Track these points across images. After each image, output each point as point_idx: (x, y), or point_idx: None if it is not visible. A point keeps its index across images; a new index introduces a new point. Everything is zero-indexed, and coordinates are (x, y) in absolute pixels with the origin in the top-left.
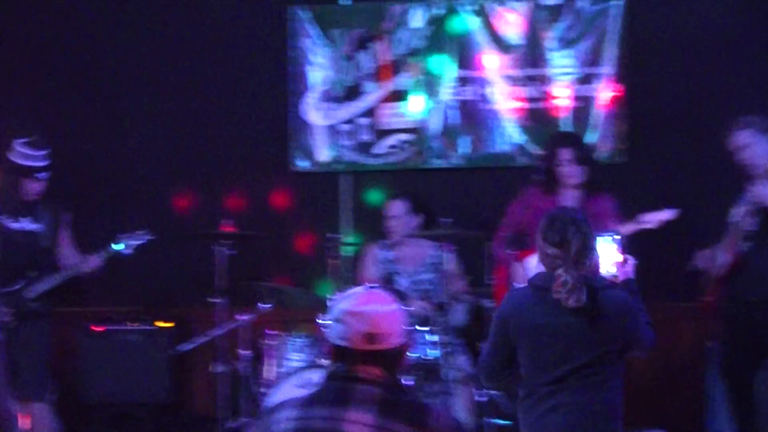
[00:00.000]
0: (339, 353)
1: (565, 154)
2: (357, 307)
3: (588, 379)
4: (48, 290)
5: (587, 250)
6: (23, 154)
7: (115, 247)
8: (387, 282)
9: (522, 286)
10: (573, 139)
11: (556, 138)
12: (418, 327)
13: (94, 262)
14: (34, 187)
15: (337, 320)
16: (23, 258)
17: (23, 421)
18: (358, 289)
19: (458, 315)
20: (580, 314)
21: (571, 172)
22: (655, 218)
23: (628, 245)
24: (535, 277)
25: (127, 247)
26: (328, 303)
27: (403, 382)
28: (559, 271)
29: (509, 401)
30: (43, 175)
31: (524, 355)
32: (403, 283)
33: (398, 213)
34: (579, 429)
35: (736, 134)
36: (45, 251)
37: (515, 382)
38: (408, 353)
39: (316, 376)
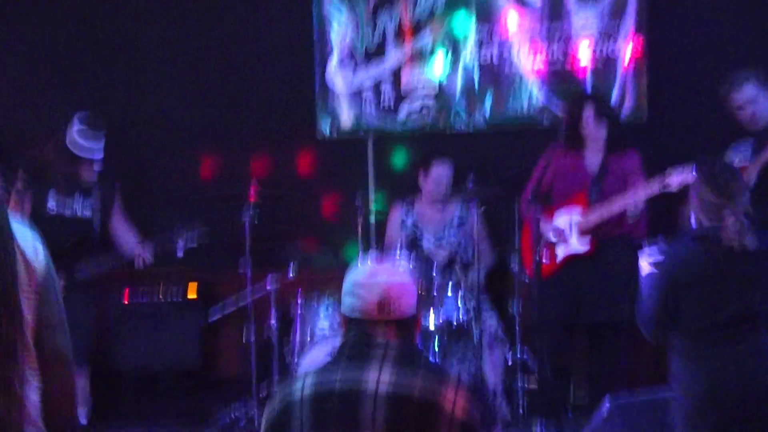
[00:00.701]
0: (352, 323)
1: (588, 112)
2: (368, 279)
3: (758, 322)
4: (96, 275)
5: (746, 198)
6: (80, 139)
7: (177, 251)
8: (413, 242)
9: (678, 240)
10: (594, 98)
11: (577, 98)
12: (445, 290)
13: (148, 256)
14: (89, 173)
15: (348, 293)
16: (75, 245)
17: None
18: (368, 262)
19: (482, 266)
20: (749, 259)
21: (594, 130)
22: (677, 179)
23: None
24: (700, 230)
25: (182, 250)
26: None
27: (416, 344)
28: (729, 217)
29: (536, 361)
30: (99, 165)
31: (695, 305)
32: (428, 244)
33: (446, 174)
34: (762, 370)
35: (740, 89)
36: (97, 237)
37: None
38: (421, 321)
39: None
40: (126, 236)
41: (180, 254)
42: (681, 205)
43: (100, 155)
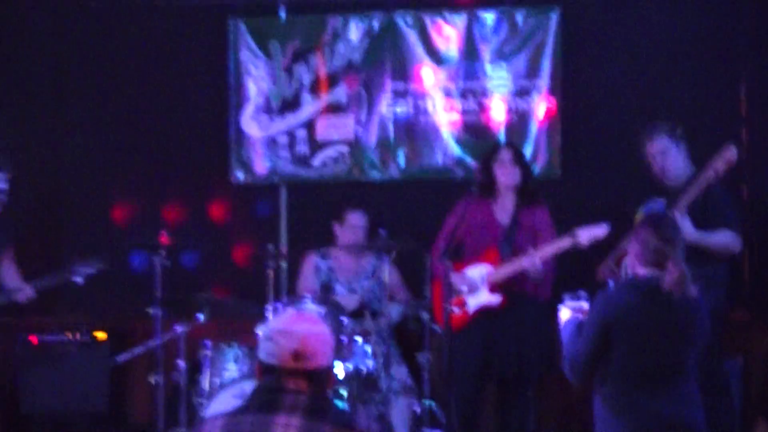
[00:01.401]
0: (267, 370)
1: (506, 154)
2: (286, 325)
3: (689, 373)
4: None
5: (683, 248)
6: None
7: (72, 277)
8: (325, 290)
9: (615, 287)
10: (512, 144)
11: (495, 144)
12: (355, 337)
13: (28, 292)
14: None
15: (266, 338)
16: None
17: None
18: (290, 309)
19: (393, 314)
20: (685, 308)
21: (510, 172)
22: (588, 234)
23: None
24: (638, 278)
25: (81, 277)
26: (265, 314)
27: (330, 397)
28: (671, 265)
29: (444, 411)
30: (2, 197)
31: (627, 352)
32: (340, 290)
33: (362, 224)
34: (691, 417)
35: (652, 140)
36: None
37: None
38: (335, 373)
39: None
40: (12, 275)
41: (80, 281)
42: (598, 264)
43: (5, 185)
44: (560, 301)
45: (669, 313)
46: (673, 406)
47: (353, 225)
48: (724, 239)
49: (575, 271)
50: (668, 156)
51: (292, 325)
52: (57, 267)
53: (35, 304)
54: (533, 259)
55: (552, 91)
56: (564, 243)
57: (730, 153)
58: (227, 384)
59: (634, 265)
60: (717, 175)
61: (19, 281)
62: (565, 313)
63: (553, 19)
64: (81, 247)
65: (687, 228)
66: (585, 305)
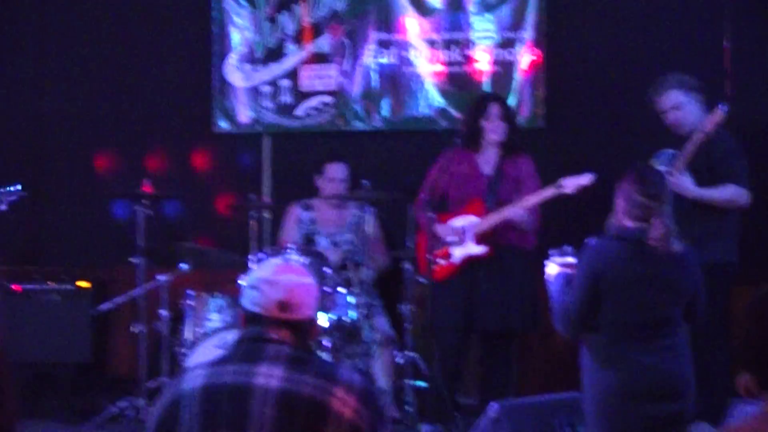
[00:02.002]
0: (252, 319)
1: (494, 108)
2: (273, 276)
3: (677, 326)
4: None
5: (670, 204)
6: None
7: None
8: (307, 242)
9: (603, 239)
10: (501, 97)
11: (485, 95)
12: (338, 288)
13: None
14: None
15: (252, 287)
16: None
17: None
18: (276, 258)
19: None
20: (672, 262)
21: (498, 127)
22: (573, 183)
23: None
24: (626, 230)
25: (4, 204)
26: (248, 264)
27: (313, 348)
28: (656, 220)
29: (427, 363)
30: None
31: (616, 304)
32: (323, 243)
33: (341, 176)
34: (681, 374)
35: (663, 95)
36: None
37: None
38: (319, 324)
39: (235, 337)
40: None
41: (4, 207)
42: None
43: None
44: (546, 255)
45: (655, 266)
46: (659, 358)
47: (332, 177)
48: (728, 193)
49: (563, 221)
50: (681, 110)
51: (278, 275)
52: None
53: (17, 250)
54: (518, 209)
55: (536, 42)
56: (548, 192)
57: (719, 114)
58: (210, 334)
59: (620, 217)
60: (707, 136)
61: None
62: (552, 269)
63: None
64: (62, 195)
65: (687, 185)
66: (571, 260)
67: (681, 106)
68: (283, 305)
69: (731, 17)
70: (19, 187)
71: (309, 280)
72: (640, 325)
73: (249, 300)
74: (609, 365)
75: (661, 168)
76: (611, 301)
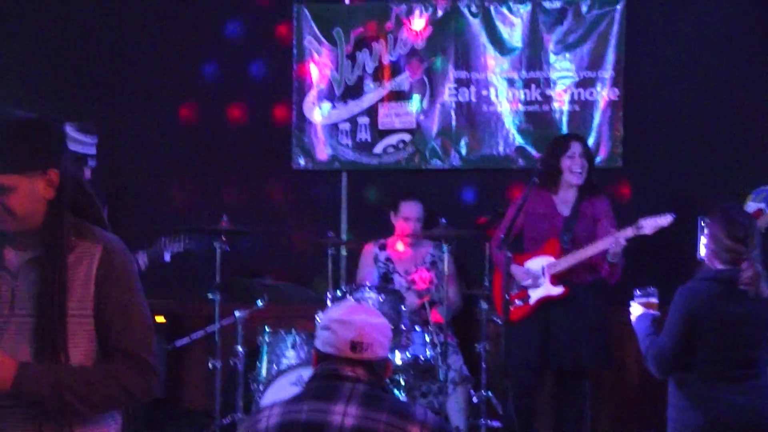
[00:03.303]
0: (324, 359)
1: (576, 147)
2: (345, 315)
3: (765, 367)
4: None
5: (759, 247)
6: (75, 139)
7: (163, 253)
8: (385, 281)
9: (696, 281)
10: (582, 137)
11: (566, 134)
12: (414, 327)
13: (142, 259)
14: (83, 174)
15: (324, 327)
16: None
17: None
18: (349, 298)
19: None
20: (762, 304)
21: (579, 165)
22: (653, 223)
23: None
24: (718, 272)
25: (170, 253)
26: (325, 301)
27: (387, 386)
28: (745, 264)
29: (501, 402)
30: (93, 162)
31: (710, 343)
32: (399, 281)
33: (418, 214)
34: (764, 410)
35: None
36: None
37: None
38: (392, 363)
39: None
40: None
41: (167, 259)
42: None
43: (93, 151)
44: (620, 294)
45: (746, 307)
46: (749, 398)
47: (407, 216)
48: None
49: (644, 260)
50: None
51: (350, 315)
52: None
53: None
54: (617, 239)
55: (615, 81)
56: (628, 233)
57: None
58: (285, 370)
59: (711, 259)
60: None
61: None
62: (636, 309)
63: (618, 9)
64: (141, 228)
65: None
66: (654, 300)
67: None
68: (355, 345)
69: None
70: (187, 240)
71: (381, 320)
72: (731, 364)
73: (321, 340)
74: (700, 404)
75: (759, 205)
76: (705, 340)
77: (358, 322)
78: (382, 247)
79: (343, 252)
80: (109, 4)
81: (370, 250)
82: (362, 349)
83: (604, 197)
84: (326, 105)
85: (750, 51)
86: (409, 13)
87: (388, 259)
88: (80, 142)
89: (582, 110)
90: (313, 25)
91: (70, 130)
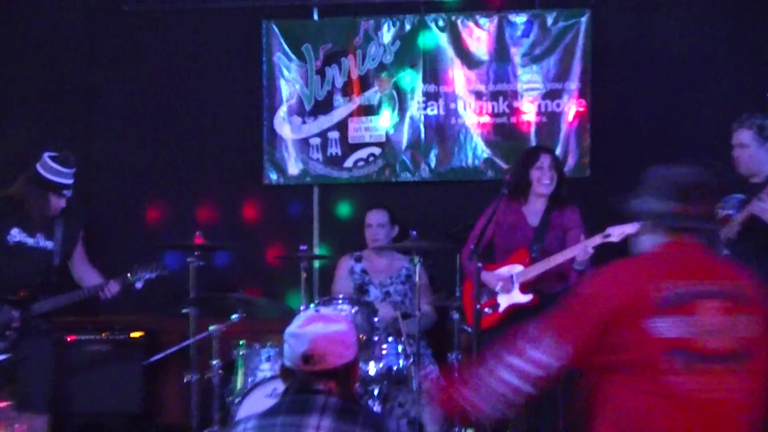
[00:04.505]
0: (286, 373)
1: (546, 159)
2: (298, 328)
3: None
4: (55, 308)
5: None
6: (53, 168)
7: (134, 282)
8: (360, 292)
9: None
10: (551, 149)
11: (535, 146)
12: (387, 338)
13: (114, 288)
14: (58, 203)
15: (285, 341)
16: (35, 275)
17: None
18: (308, 311)
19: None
20: None
21: (549, 176)
22: (620, 231)
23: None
24: None
25: (142, 282)
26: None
27: (357, 396)
28: None
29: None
30: (69, 192)
31: None
32: (374, 293)
33: (380, 221)
34: None
35: (736, 131)
36: (57, 269)
37: None
38: (358, 369)
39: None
40: (89, 271)
41: (139, 286)
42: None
43: (70, 181)
44: None
45: None
46: None
47: (370, 223)
48: None
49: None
50: (746, 150)
51: (303, 327)
52: (101, 269)
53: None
54: (586, 247)
55: (582, 93)
56: (595, 241)
57: None
58: (260, 383)
59: None
60: None
61: (98, 276)
62: None
63: (583, 21)
64: (116, 247)
65: None
66: None
67: (746, 146)
68: (307, 358)
69: None
70: (159, 268)
71: (337, 327)
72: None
73: (284, 354)
74: None
75: (728, 212)
76: None
77: (309, 334)
78: (358, 259)
79: (316, 265)
80: (80, 33)
81: (345, 262)
82: (315, 361)
83: (574, 208)
84: (296, 120)
85: (713, 62)
86: (377, 28)
87: (364, 271)
88: (58, 172)
89: (549, 121)
90: (282, 41)
91: (48, 160)
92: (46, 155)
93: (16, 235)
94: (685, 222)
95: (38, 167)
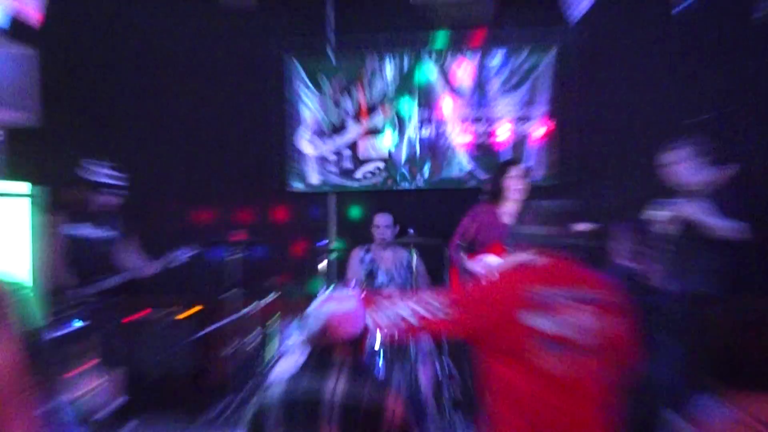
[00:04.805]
0: (308, 342)
1: (515, 170)
2: (316, 308)
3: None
4: (112, 288)
5: (655, 249)
6: (106, 174)
7: (174, 261)
8: (370, 278)
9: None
10: (520, 161)
11: (509, 160)
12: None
13: (155, 267)
14: (110, 200)
15: (307, 317)
16: (94, 260)
17: (100, 382)
18: (326, 293)
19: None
20: (660, 294)
21: (518, 185)
22: (576, 229)
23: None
24: (622, 266)
25: (183, 258)
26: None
27: (365, 360)
28: (647, 263)
29: (458, 369)
30: (114, 191)
31: None
32: (382, 278)
33: (386, 223)
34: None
35: (669, 152)
36: (110, 255)
37: None
38: (367, 338)
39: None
40: (136, 255)
41: (179, 263)
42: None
43: (114, 182)
44: None
45: (647, 297)
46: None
47: (378, 224)
48: (728, 225)
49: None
50: (677, 167)
51: (320, 308)
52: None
53: (138, 283)
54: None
55: (549, 115)
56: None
57: (724, 172)
58: (291, 351)
59: (619, 259)
60: (708, 188)
61: (144, 262)
62: None
63: (550, 56)
64: (176, 243)
65: (700, 211)
66: None
67: (677, 164)
68: (324, 332)
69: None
70: (195, 248)
71: (347, 305)
72: None
73: (307, 327)
74: None
75: (660, 213)
76: None
77: (326, 313)
78: (368, 251)
79: (333, 256)
80: (135, 57)
81: (357, 253)
82: (330, 334)
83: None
84: (316, 140)
85: (653, 92)
86: (381, 64)
87: (372, 260)
88: (111, 176)
89: (521, 141)
90: (303, 74)
91: (96, 168)
92: (94, 164)
93: (81, 227)
94: (555, 241)
95: (95, 174)
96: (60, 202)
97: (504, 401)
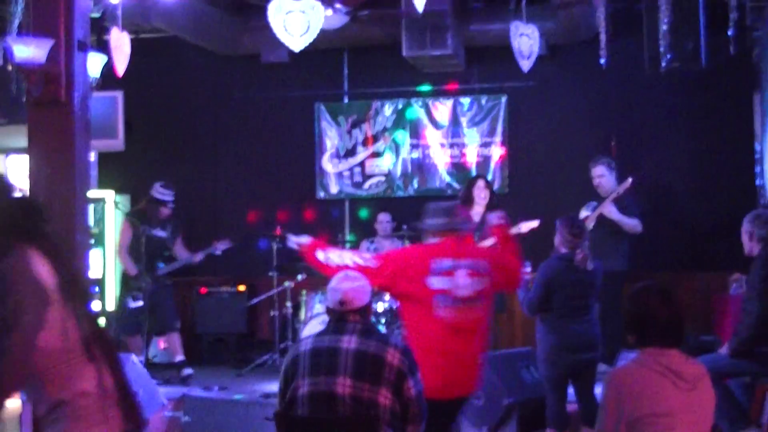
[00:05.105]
0: (329, 311)
1: (480, 183)
2: (335, 284)
3: (592, 308)
4: (171, 271)
5: (587, 239)
6: (160, 191)
7: (214, 251)
8: None
9: (550, 260)
10: (484, 176)
11: (476, 176)
12: None
13: (199, 257)
14: (165, 212)
15: (327, 292)
16: (158, 252)
17: (162, 344)
18: (341, 273)
19: None
20: (588, 273)
21: (484, 193)
22: (527, 226)
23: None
24: (564, 254)
25: (218, 250)
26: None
27: (370, 322)
28: (578, 249)
29: None
30: (171, 204)
31: (560, 296)
32: None
33: (387, 220)
34: (594, 336)
35: (594, 166)
36: (169, 248)
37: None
38: (373, 308)
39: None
40: (185, 249)
41: (218, 253)
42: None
43: (171, 198)
44: None
45: (579, 275)
46: (583, 327)
47: (380, 221)
48: (633, 222)
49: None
50: (603, 178)
51: (339, 284)
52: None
53: (204, 267)
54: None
55: (503, 142)
56: (512, 230)
57: (628, 182)
58: (315, 316)
59: (559, 246)
60: (619, 194)
61: (190, 253)
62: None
63: (503, 100)
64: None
65: (614, 211)
66: (528, 269)
67: (603, 175)
68: (341, 302)
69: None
70: (228, 242)
71: (359, 283)
72: (572, 308)
73: (327, 301)
74: (554, 331)
75: (587, 213)
76: (557, 294)
77: (343, 287)
78: (372, 242)
79: (348, 246)
80: (208, 93)
81: (364, 243)
82: (346, 304)
83: (501, 210)
84: (335, 161)
85: (582, 121)
86: (382, 106)
87: (376, 249)
88: (163, 193)
89: (484, 160)
90: (326, 114)
91: (158, 186)
92: (156, 184)
93: (149, 230)
94: (447, 227)
95: (153, 191)
96: (136, 209)
97: (416, 337)
